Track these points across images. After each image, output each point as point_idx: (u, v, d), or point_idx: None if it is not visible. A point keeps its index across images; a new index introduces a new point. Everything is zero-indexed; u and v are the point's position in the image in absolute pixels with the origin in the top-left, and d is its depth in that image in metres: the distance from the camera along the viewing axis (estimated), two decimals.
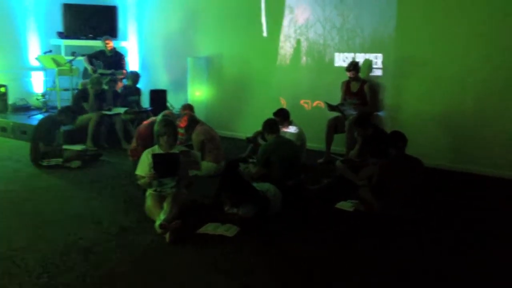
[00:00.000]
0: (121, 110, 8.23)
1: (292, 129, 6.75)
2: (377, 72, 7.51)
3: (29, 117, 9.03)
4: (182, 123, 6.72)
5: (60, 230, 4.53)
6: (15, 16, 9.89)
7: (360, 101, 7.16)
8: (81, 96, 8.32)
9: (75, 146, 7.13)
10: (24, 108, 9.83)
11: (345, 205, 5.25)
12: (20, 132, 8.53)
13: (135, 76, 9.05)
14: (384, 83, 7.43)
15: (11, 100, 9.73)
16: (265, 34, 8.59)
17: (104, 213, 5.01)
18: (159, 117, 6.38)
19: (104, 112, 8.07)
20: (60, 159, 6.72)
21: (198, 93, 9.47)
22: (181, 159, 4.84)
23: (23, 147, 7.44)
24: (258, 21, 8.69)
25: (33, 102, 10.13)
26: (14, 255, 3.97)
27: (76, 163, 6.75)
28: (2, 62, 9.77)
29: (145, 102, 9.44)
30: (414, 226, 4.69)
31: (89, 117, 7.92)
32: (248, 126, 8.09)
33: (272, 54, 8.61)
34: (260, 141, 6.67)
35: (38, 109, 9.75)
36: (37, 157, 6.75)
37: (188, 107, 7.35)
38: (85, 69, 9.41)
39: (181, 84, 9.74)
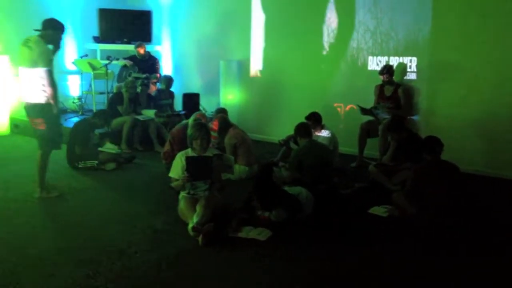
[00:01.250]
0: (151, 112, 8.33)
1: (324, 133, 6.72)
2: (411, 76, 7.41)
3: (65, 120, 9.19)
4: (214, 125, 6.77)
5: (94, 231, 4.61)
6: None
7: (393, 105, 7.08)
8: (116, 99, 8.46)
9: (110, 149, 7.24)
10: (61, 111, 9.96)
11: (379, 210, 5.19)
12: None
13: (168, 80, 9.18)
14: (418, 87, 7.33)
15: None
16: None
17: (137, 215, 5.07)
18: (191, 119, 6.43)
19: (136, 117, 8.16)
20: (95, 161, 6.83)
21: (231, 96, 9.51)
22: (214, 162, 4.87)
23: (60, 149, 7.58)
24: (291, 24, 8.69)
25: (69, 105, 10.33)
26: (49, 256, 4.05)
27: (110, 166, 6.86)
28: None
29: (178, 105, 9.53)
30: (449, 233, 4.60)
31: (124, 120, 8.04)
32: (280, 130, 8.09)
33: (304, 57, 8.59)
34: (292, 145, 6.66)
35: (74, 112, 9.94)
36: (73, 159, 6.88)
37: (222, 111, 7.41)
38: (120, 73, 9.56)
39: (213, 88, 9.80)
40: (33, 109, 5.44)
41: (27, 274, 3.73)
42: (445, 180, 4.85)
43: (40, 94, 5.32)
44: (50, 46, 5.39)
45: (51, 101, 5.37)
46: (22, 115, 9.47)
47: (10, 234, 4.52)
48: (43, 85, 5.28)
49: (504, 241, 4.54)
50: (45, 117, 5.42)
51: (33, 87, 5.32)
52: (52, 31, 5.36)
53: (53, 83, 5.32)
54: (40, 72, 5.24)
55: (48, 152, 5.60)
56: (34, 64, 5.25)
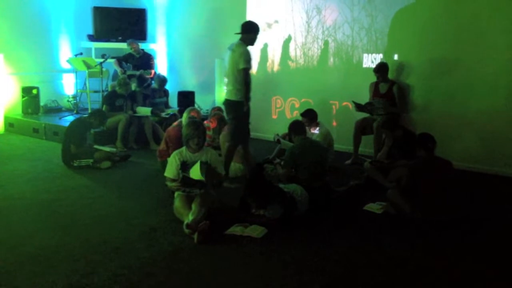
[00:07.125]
0: (147, 110, 8.33)
1: (319, 130, 6.72)
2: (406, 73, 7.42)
3: (60, 118, 9.19)
4: (212, 124, 6.77)
5: (89, 229, 4.60)
6: (47, 20, 10.09)
7: (389, 103, 7.09)
8: (108, 97, 8.48)
9: (105, 147, 7.23)
10: (56, 110, 10.01)
11: (374, 207, 5.21)
12: (52, 133, 8.70)
13: (161, 81, 9.18)
14: (413, 84, 7.34)
15: (42, 101, 9.93)
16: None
17: (133, 213, 5.07)
18: (185, 116, 6.39)
19: (131, 113, 8.16)
20: (91, 160, 6.82)
21: None
22: (206, 178, 4.85)
23: (55, 148, 7.59)
24: (284, 22, 8.69)
25: (64, 103, 10.32)
26: (43, 254, 4.04)
27: (106, 164, 6.85)
28: (35, 64, 9.97)
29: (173, 103, 9.52)
30: (444, 229, 4.62)
31: (119, 119, 8.03)
32: (275, 128, 8.09)
33: (298, 55, 8.59)
34: (283, 144, 6.63)
35: (69, 110, 9.93)
36: (68, 158, 6.86)
37: (218, 109, 7.44)
38: (115, 71, 9.55)
39: (208, 86, 9.80)
40: (227, 105, 5.99)
41: (22, 272, 3.71)
42: (440, 176, 4.87)
43: (235, 92, 5.79)
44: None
45: (244, 100, 5.77)
46: (17, 114, 9.56)
47: (4, 232, 4.50)
48: (239, 83, 5.73)
49: (496, 237, 4.57)
50: (234, 113, 5.88)
51: (231, 85, 5.85)
52: (246, 35, 5.92)
53: (247, 82, 5.74)
54: (238, 72, 5.71)
55: (235, 146, 6.02)
56: (235, 64, 5.74)
